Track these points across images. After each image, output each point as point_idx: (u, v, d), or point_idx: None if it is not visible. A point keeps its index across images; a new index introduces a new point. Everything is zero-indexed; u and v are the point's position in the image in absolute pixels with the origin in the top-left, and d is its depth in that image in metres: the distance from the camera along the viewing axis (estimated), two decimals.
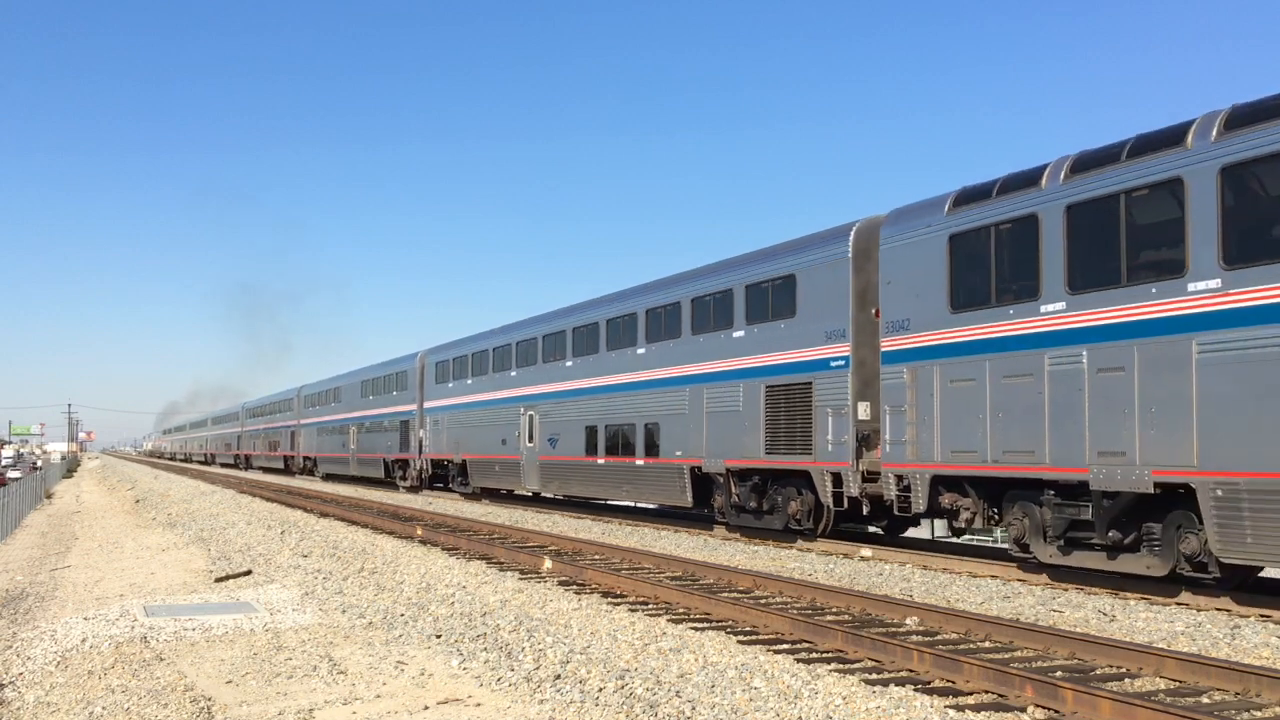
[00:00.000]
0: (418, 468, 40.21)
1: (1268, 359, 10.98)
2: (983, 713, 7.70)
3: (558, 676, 9.16)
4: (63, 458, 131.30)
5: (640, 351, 23.97)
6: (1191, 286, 11.85)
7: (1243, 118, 11.70)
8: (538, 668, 9.53)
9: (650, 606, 12.43)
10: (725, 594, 12.98)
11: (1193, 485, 11.72)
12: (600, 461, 25.56)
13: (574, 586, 14.12)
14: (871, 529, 19.90)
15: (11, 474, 73.21)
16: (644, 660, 9.43)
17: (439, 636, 11.31)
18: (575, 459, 26.85)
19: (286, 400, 66.73)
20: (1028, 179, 14.23)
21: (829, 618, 11.39)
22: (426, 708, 8.60)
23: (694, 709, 7.92)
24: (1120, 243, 12.74)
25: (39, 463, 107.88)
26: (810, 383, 18.33)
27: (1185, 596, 12.64)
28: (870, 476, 17.07)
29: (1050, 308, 13.57)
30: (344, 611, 13.35)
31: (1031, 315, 13.83)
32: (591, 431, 26.03)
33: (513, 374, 31.34)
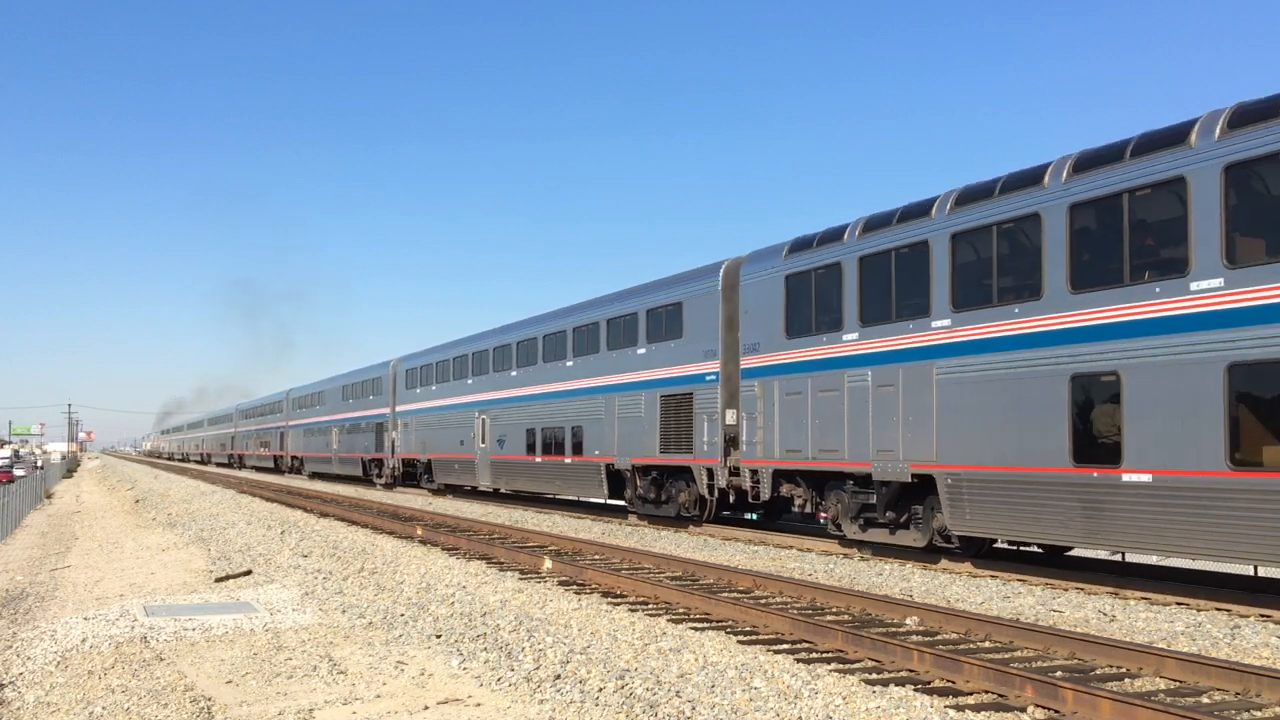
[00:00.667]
0: (390, 466, 43.61)
1: (977, 380, 14.74)
2: (983, 713, 7.70)
3: (558, 676, 9.16)
4: (63, 458, 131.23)
5: (569, 364, 27.42)
6: (934, 324, 15.54)
7: (971, 195, 15.30)
8: (538, 668, 9.52)
9: (650, 606, 12.43)
10: (725, 594, 12.98)
11: (934, 475, 15.29)
12: (538, 460, 29.05)
13: (574, 586, 14.12)
14: (749, 515, 23.06)
15: (17, 471, 75.35)
16: (644, 660, 9.43)
17: (439, 636, 11.31)
18: (518, 458, 30.49)
19: (276, 402, 69.78)
20: (835, 234, 17.89)
21: (829, 618, 11.39)
22: (426, 708, 8.60)
23: (694, 709, 7.92)
24: (891, 287, 16.45)
25: (40, 463, 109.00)
26: (692, 393, 21.82)
27: (1185, 597, 12.68)
28: (735, 472, 20.47)
29: (849, 337, 17.23)
30: (344, 611, 13.34)
31: (837, 343, 17.48)
32: (531, 433, 29.58)
33: (469, 381, 34.94)
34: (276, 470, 68.58)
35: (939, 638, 10.38)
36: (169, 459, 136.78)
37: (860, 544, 17.55)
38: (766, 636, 10.55)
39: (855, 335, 17.02)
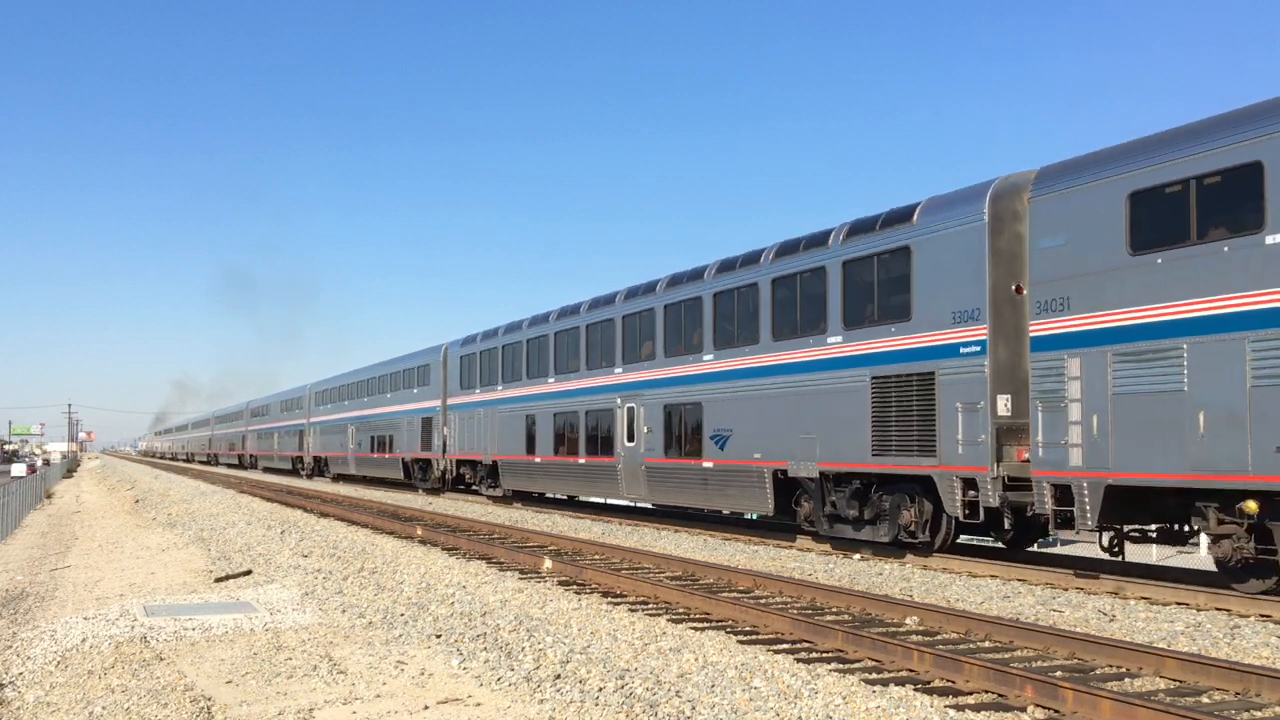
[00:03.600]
0: (307, 462, 61.06)
1: (507, 417, 30.91)
2: (983, 713, 7.70)
3: (558, 676, 9.16)
4: (63, 457, 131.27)
5: (389, 396, 44.74)
6: (499, 389, 31.71)
7: (487, 334, 33.53)
8: (538, 667, 9.52)
9: (650, 606, 12.42)
10: (725, 594, 12.98)
11: (497, 461, 31.59)
12: (374, 456, 46.20)
13: (574, 586, 14.12)
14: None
15: (16, 470, 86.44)
16: (644, 660, 9.43)
17: (439, 636, 11.31)
18: (367, 455, 47.60)
19: (239, 412, 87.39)
20: (472, 339, 34.67)
21: (829, 618, 11.39)
22: (426, 707, 8.60)
23: (694, 709, 7.92)
24: (488, 369, 32.90)
25: (44, 459, 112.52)
26: (432, 417, 38.31)
27: (1185, 596, 12.67)
28: (460, 463, 35.99)
29: (476, 392, 33.69)
30: (344, 611, 13.34)
31: (474, 394, 33.99)
32: (373, 438, 46.58)
33: (346, 403, 52.67)
34: (240, 466, 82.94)
35: (939, 638, 10.38)
36: (160, 457, 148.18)
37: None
38: (766, 636, 10.55)
39: (478, 392, 33.66)
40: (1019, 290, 14.74)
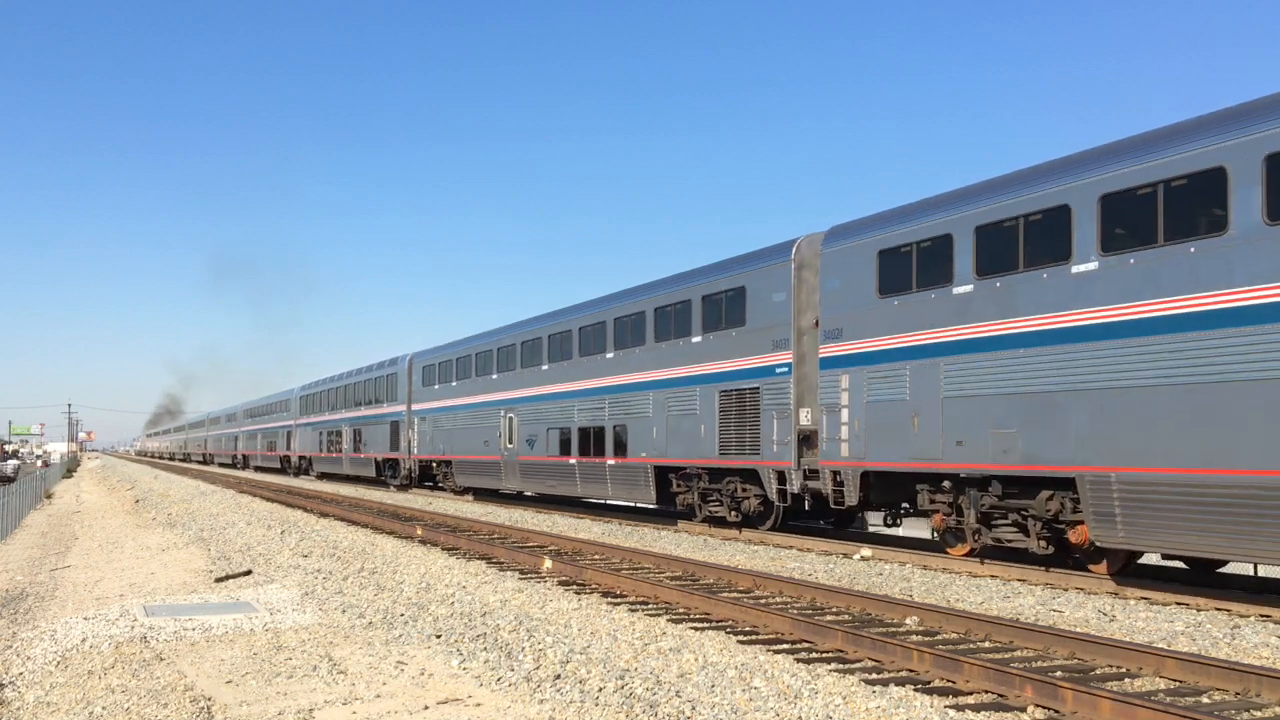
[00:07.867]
0: (238, 459, 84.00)
1: (313, 430, 57.42)
2: (983, 713, 7.70)
3: (558, 676, 9.16)
4: (63, 457, 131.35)
5: (272, 415, 68.53)
6: (306, 418, 60.31)
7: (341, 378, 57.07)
8: (538, 667, 9.52)
9: (650, 606, 12.43)
10: (725, 594, 12.98)
11: (310, 457, 58.09)
12: (268, 454, 68.93)
13: (574, 586, 14.12)
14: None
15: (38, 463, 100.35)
16: (644, 660, 9.43)
17: (439, 636, 11.31)
18: (265, 453, 69.94)
19: (204, 420, 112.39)
20: (311, 385, 60.16)
21: (829, 618, 11.39)
22: (426, 707, 8.60)
23: (694, 709, 7.92)
24: (306, 405, 60.12)
25: (44, 459, 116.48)
26: (291, 430, 63.06)
27: (1185, 596, 12.68)
28: (301, 457, 62.06)
29: (304, 416, 61.07)
30: (344, 611, 13.34)
31: (305, 419, 60.16)
32: (268, 442, 67.72)
33: (257, 419, 74.50)
34: (204, 463, 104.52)
35: (939, 638, 10.39)
36: (151, 456, 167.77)
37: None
38: (766, 636, 10.55)
39: (306, 417, 58.70)
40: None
